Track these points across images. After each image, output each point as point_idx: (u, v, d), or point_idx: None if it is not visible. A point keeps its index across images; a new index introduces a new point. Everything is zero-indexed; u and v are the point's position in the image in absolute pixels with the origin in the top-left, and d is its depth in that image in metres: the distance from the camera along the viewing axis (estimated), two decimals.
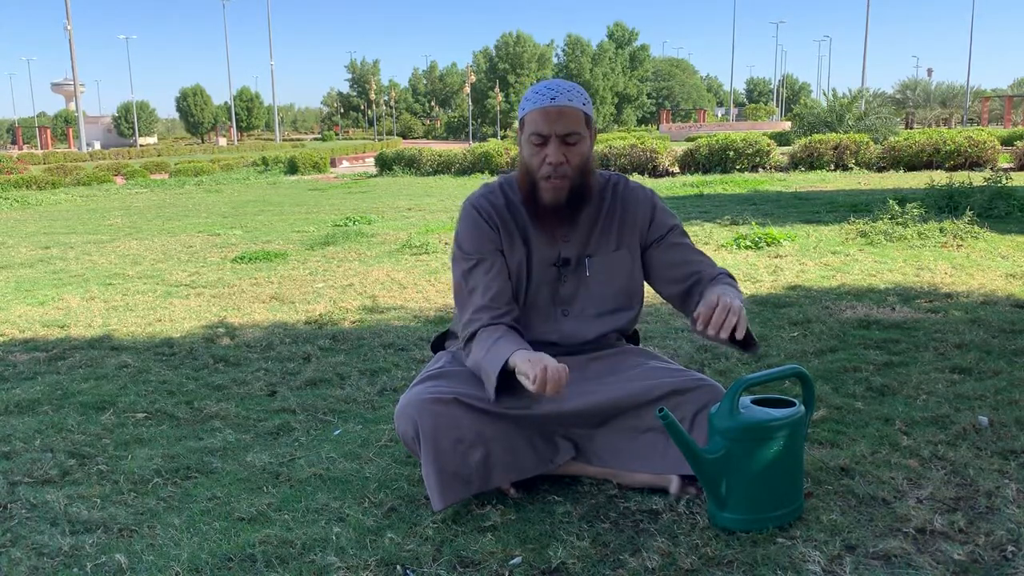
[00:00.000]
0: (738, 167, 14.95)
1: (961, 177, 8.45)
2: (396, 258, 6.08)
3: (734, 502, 1.81)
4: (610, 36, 71.86)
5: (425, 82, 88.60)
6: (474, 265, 2.05)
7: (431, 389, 1.97)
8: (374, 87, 73.60)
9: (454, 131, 71.81)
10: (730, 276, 2.08)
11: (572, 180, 1.97)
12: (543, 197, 1.99)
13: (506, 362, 1.86)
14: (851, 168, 14.49)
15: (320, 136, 78.61)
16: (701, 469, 1.81)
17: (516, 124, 2.10)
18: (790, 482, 1.83)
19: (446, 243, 6.70)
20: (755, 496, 1.79)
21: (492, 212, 2.06)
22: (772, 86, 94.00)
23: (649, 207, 2.11)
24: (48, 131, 62.31)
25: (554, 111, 1.93)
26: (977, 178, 8.66)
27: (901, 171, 14.02)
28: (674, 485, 1.97)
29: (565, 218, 2.04)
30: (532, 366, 1.77)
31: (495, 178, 2.18)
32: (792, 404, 1.85)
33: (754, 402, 1.86)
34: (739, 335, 1.79)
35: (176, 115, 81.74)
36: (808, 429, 1.95)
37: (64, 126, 71.99)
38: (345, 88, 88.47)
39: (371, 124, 77.48)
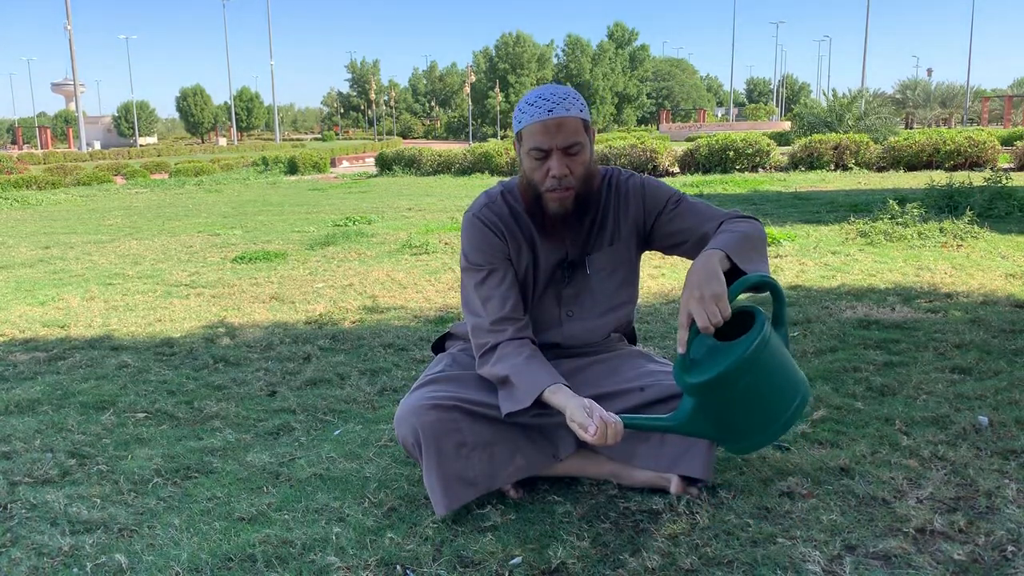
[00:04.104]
0: (738, 167, 14.95)
1: (961, 177, 8.45)
2: (396, 258, 6.08)
3: (735, 437, 1.81)
4: (610, 36, 71.86)
5: (425, 82, 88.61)
6: (486, 276, 2.02)
7: (430, 394, 1.97)
8: (374, 87, 73.60)
9: (454, 131, 71.83)
10: (738, 217, 1.99)
11: (577, 189, 1.94)
12: (549, 208, 1.96)
13: (542, 392, 1.85)
14: (851, 168, 14.50)
15: (320, 136, 78.63)
16: (681, 432, 1.82)
17: (512, 133, 2.07)
18: (783, 388, 1.78)
19: (446, 243, 6.70)
20: (754, 421, 1.78)
21: (497, 222, 2.04)
22: (772, 86, 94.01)
23: (639, 196, 2.08)
24: (48, 131, 62.27)
25: (553, 124, 1.89)
26: (977, 178, 8.66)
27: (901, 171, 14.03)
28: (674, 485, 1.97)
29: (571, 225, 2.03)
30: (591, 419, 1.75)
31: (495, 184, 2.16)
32: (754, 316, 1.77)
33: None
34: (724, 315, 1.72)
35: (176, 115, 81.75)
36: (786, 330, 1.84)
37: (64, 126, 72.02)
38: (345, 88, 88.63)
39: (371, 124, 77.49)
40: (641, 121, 73.93)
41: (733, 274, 1.80)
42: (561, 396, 1.83)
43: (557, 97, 1.91)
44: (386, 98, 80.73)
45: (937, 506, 1.89)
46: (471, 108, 63.07)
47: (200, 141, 70.57)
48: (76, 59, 45.48)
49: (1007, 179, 7.98)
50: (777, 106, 79.83)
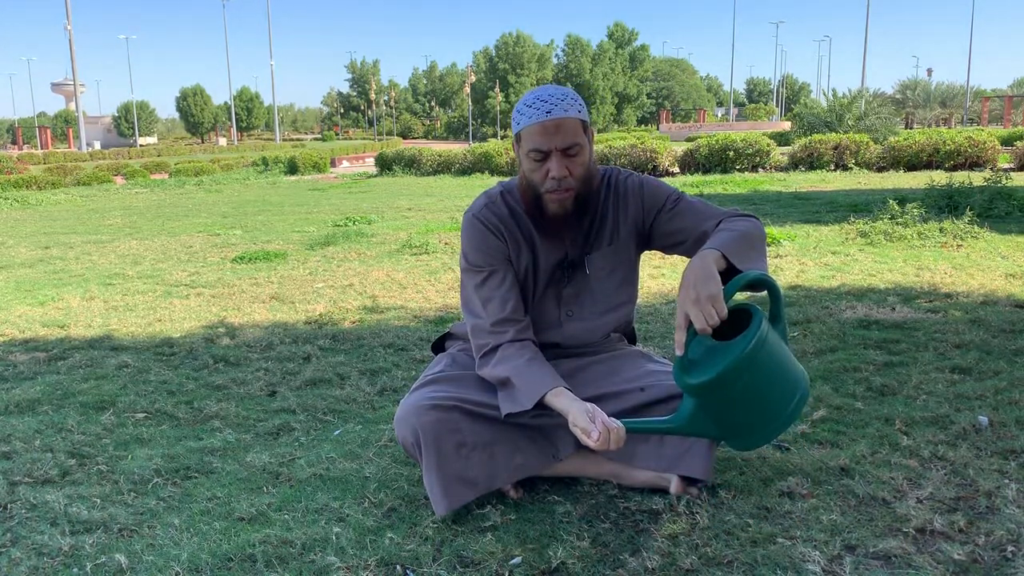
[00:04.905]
0: (738, 167, 14.95)
1: (961, 177, 8.45)
2: (396, 258, 6.08)
3: (738, 435, 1.81)
4: (610, 36, 71.87)
5: (425, 82, 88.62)
6: (486, 277, 2.02)
7: (430, 395, 1.97)
8: (374, 87, 73.63)
9: (454, 131, 71.85)
10: (737, 216, 1.99)
11: (577, 190, 1.94)
12: (548, 209, 1.96)
13: (544, 395, 1.86)
14: (851, 168, 14.50)
15: (320, 136, 78.64)
16: (683, 433, 1.82)
17: (512, 135, 2.06)
18: (783, 385, 1.78)
19: (446, 243, 6.70)
20: (756, 419, 1.78)
21: (497, 223, 2.04)
22: (772, 86, 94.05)
23: (638, 195, 2.08)
24: (48, 131, 62.28)
25: (552, 125, 1.88)
26: (977, 178, 8.66)
27: (901, 171, 14.03)
28: (674, 485, 1.97)
29: (571, 225, 2.03)
30: (593, 424, 1.76)
31: (495, 184, 2.16)
32: (751, 314, 1.77)
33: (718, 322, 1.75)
34: (720, 316, 1.72)
35: (176, 115, 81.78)
36: (784, 326, 1.85)
37: (64, 126, 72.04)
38: (345, 88, 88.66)
39: (371, 124, 77.50)
40: (641, 121, 73.93)
41: (731, 273, 1.81)
42: (563, 400, 1.84)
43: (555, 98, 1.91)
44: (386, 98, 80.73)
45: (937, 506, 1.89)
46: (471, 108, 63.07)
47: (200, 141, 70.57)
48: (76, 59, 45.52)
49: (1007, 179, 7.98)
50: (777, 106, 79.85)
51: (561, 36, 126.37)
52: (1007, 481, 2.00)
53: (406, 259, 6.01)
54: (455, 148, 19.46)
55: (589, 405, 1.81)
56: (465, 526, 1.89)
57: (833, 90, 26.51)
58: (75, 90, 46.93)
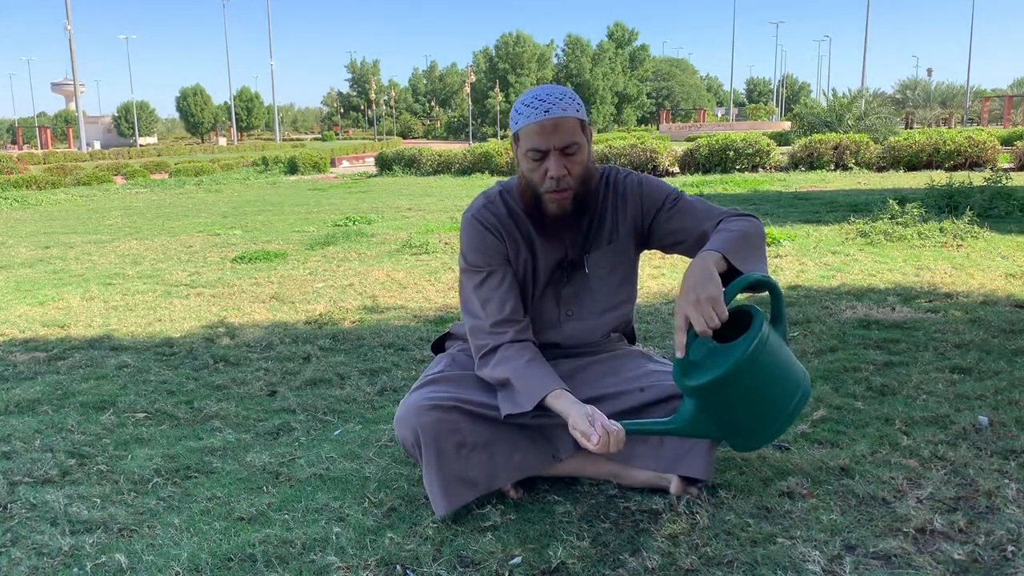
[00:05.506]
0: (738, 167, 14.95)
1: (961, 177, 8.45)
2: (396, 258, 6.08)
3: (738, 435, 1.82)
4: (610, 36, 71.88)
5: (425, 82, 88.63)
6: (485, 278, 2.02)
7: (429, 395, 1.97)
8: (374, 87, 73.62)
9: (454, 131, 71.86)
10: (736, 216, 1.98)
11: (575, 190, 1.94)
12: (548, 209, 1.96)
13: (544, 397, 1.86)
14: (851, 168, 14.50)
15: (320, 136, 78.62)
16: (683, 434, 1.83)
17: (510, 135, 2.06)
18: (784, 385, 1.78)
19: (446, 243, 6.70)
20: (757, 419, 1.79)
21: (496, 223, 2.03)
22: (772, 86, 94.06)
23: (637, 194, 2.07)
24: (48, 131, 62.29)
25: (550, 124, 1.88)
26: (977, 178, 8.66)
27: (901, 171, 14.04)
28: (674, 485, 1.97)
29: (570, 225, 2.03)
30: (593, 427, 1.76)
31: (494, 184, 2.15)
32: (752, 316, 1.77)
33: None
34: (721, 318, 1.72)
35: (176, 115, 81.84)
36: (785, 326, 1.85)
37: (64, 126, 72.03)
38: (345, 88, 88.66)
39: (371, 124, 77.51)
40: (641, 121, 73.94)
41: (732, 274, 1.81)
42: (564, 402, 1.84)
43: (553, 97, 1.91)
44: (386, 98, 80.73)
45: (937, 506, 1.89)
46: (471, 108, 63.06)
47: (200, 141, 70.58)
48: (76, 59, 45.52)
49: (1007, 179, 7.98)
50: (777, 106, 79.85)
51: (561, 36, 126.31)
52: (1007, 481, 2.00)
53: (406, 259, 6.01)
54: (455, 148, 19.46)
55: (589, 408, 1.81)
56: (465, 526, 1.89)
57: (833, 90, 26.55)
58: (75, 90, 46.93)
